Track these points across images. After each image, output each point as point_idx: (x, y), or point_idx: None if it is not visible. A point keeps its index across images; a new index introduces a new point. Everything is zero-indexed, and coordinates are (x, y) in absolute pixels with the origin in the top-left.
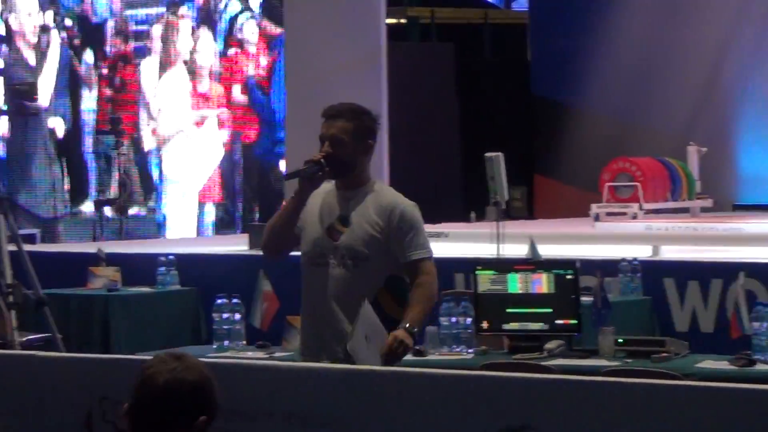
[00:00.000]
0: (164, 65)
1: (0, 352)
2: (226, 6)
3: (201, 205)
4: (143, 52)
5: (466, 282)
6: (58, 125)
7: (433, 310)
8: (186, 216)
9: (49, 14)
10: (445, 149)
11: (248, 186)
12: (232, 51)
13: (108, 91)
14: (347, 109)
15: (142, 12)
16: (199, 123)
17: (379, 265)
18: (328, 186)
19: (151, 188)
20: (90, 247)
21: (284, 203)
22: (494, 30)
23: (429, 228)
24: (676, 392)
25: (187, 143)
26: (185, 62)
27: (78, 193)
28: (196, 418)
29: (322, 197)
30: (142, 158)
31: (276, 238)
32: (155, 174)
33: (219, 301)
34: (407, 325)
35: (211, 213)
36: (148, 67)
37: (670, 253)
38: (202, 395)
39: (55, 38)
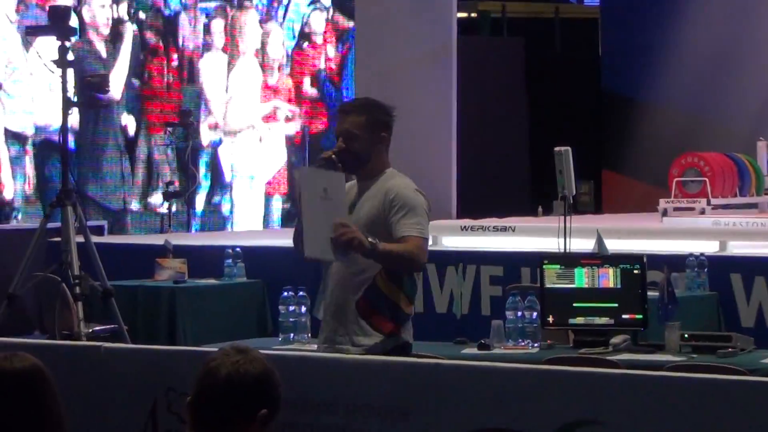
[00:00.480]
0: (231, 58)
1: (66, 343)
2: None
3: (268, 197)
4: (209, 45)
5: (532, 276)
6: (128, 118)
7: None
8: (253, 208)
9: (123, 7)
10: (514, 143)
11: None
12: (302, 44)
13: (178, 84)
14: (359, 103)
15: (212, 5)
16: (268, 116)
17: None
18: (353, 181)
19: (218, 181)
20: (157, 239)
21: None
22: (565, 24)
23: (496, 222)
24: (742, 388)
25: (255, 136)
26: (254, 55)
27: (146, 185)
28: (258, 412)
29: (346, 192)
30: (209, 151)
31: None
32: (222, 167)
33: (285, 293)
34: (372, 239)
35: (278, 205)
36: (214, 59)
37: (738, 248)
38: (264, 388)
39: (128, 31)
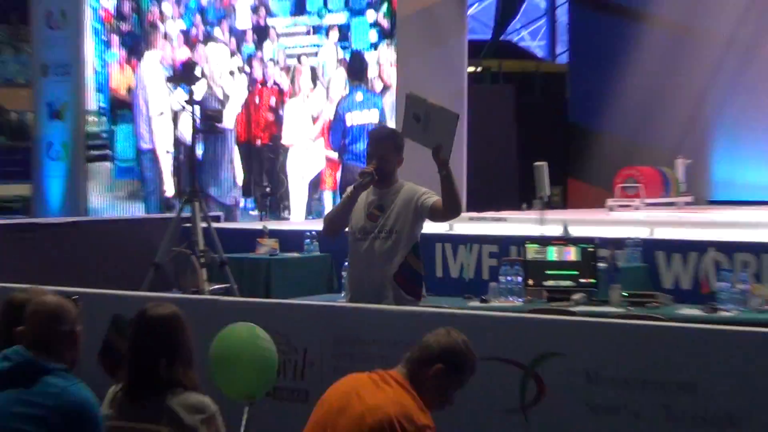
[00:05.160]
0: (301, 93)
1: (194, 297)
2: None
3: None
4: (295, 90)
5: (518, 252)
6: (238, 139)
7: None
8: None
9: (236, 60)
10: (507, 159)
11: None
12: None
13: (269, 116)
14: (389, 133)
15: (298, 44)
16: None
17: (407, 237)
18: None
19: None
20: (257, 225)
21: (342, 200)
22: (543, 76)
23: (493, 214)
24: (662, 330)
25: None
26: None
27: (249, 187)
28: (435, 365)
29: (363, 194)
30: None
31: (335, 226)
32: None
33: (345, 263)
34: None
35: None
36: (295, 103)
37: (661, 234)
38: (445, 352)
39: (240, 79)
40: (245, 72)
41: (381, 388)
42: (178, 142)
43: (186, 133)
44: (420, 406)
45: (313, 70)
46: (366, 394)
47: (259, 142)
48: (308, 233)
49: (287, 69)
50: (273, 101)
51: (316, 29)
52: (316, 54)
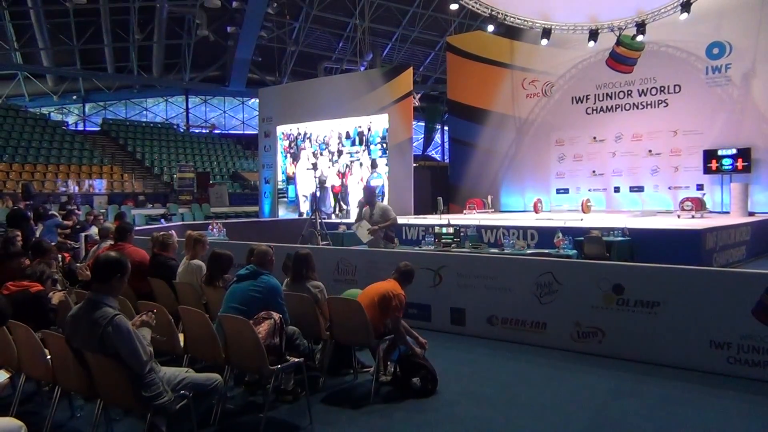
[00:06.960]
0: (354, 174)
1: (314, 246)
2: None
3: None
4: (350, 169)
5: (432, 229)
6: (332, 190)
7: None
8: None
9: (330, 162)
10: (427, 196)
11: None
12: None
13: (342, 181)
14: (373, 189)
15: (354, 157)
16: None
17: (382, 222)
18: (367, 207)
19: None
20: (337, 221)
21: (358, 211)
22: (441, 167)
23: (423, 215)
24: (482, 257)
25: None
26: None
27: (335, 207)
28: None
29: (365, 208)
30: (347, 196)
31: (360, 220)
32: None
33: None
34: (381, 224)
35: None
36: (351, 177)
37: (484, 222)
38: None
39: (332, 169)
40: (334, 165)
41: (387, 282)
42: (311, 191)
43: (312, 188)
44: (400, 289)
45: (359, 165)
46: (380, 284)
47: (338, 190)
48: (355, 223)
49: (349, 165)
50: (343, 176)
51: (359, 151)
52: (359, 159)
